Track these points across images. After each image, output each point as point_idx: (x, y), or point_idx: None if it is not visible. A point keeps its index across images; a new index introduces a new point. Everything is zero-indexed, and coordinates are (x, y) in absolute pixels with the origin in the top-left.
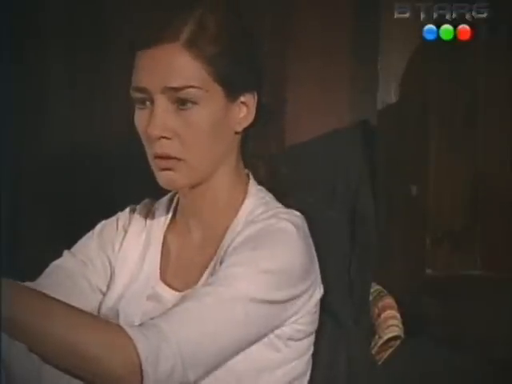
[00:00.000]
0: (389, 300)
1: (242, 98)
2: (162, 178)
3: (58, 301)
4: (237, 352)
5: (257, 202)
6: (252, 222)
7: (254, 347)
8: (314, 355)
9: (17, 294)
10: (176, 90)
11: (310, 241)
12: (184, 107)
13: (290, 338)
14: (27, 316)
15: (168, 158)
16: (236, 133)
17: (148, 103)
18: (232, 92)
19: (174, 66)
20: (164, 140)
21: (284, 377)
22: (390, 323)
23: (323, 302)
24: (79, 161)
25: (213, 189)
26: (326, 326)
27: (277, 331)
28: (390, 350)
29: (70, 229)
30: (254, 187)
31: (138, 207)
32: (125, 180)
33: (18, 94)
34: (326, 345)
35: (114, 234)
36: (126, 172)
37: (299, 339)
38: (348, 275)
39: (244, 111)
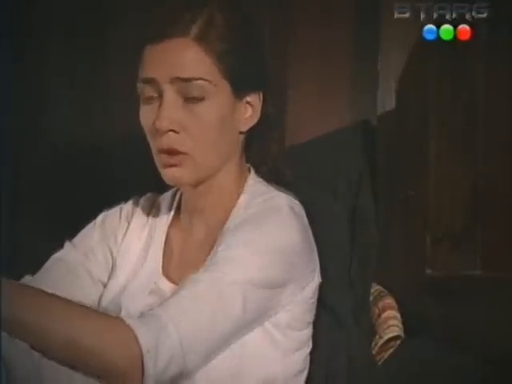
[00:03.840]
0: (389, 300)
1: (248, 98)
2: (167, 174)
3: (57, 296)
4: (236, 337)
5: (254, 192)
6: (248, 207)
7: (252, 341)
8: (314, 354)
9: (15, 292)
10: (185, 80)
11: (307, 226)
12: (192, 101)
13: (289, 327)
14: (27, 313)
15: (174, 152)
16: (240, 133)
17: (155, 97)
18: (239, 90)
19: (184, 57)
20: (171, 134)
21: (283, 372)
22: (391, 323)
23: (324, 302)
24: (79, 160)
25: (215, 188)
26: (326, 325)
27: (274, 319)
28: (391, 350)
29: (70, 228)
30: (252, 180)
31: (141, 200)
32: (125, 179)
33: (17, 94)
34: (326, 344)
35: (117, 225)
36: (127, 171)
37: (298, 329)
38: (348, 275)
39: (249, 111)
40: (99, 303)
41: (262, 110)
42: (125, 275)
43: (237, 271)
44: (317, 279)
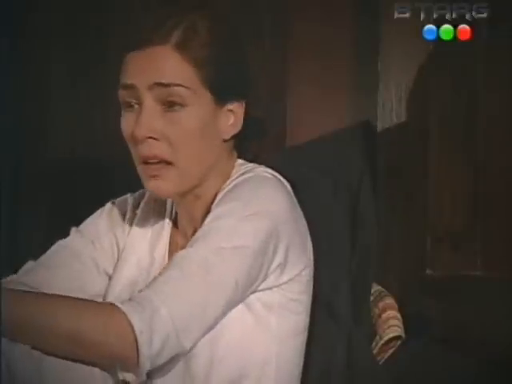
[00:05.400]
0: (389, 300)
1: (230, 106)
2: (151, 186)
3: (51, 294)
4: (228, 311)
5: (238, 171)
6: (231, 182)
7: (242, 326)
8: (314, 355)
9: (10, 296)
10: (164, 86)
11: (294, 199)
12: (171, 109)
13: (283, 308)
14: (24, 314)
15: (155, 159)
16: (224, 141)
17: (135, 106)
18: (220, 98)
19: (163, 64)
20: (151, 141)
21: (277, 359)
22: (391, 323)
23: (324, 302)
24: (80, 160)
25: (203, 196)
26: (326, 326)
27: (266, 298)
28: (391, 351)
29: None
30: (238, 165)
31: (147, 193)
32: (126, 180)
33: (17, 95)
34: (325, 345)
35: (124, 215)
36: (128, 172)
37: (294, 313)
38: (349, 276)
39: (232, 119)
40: (105, 296)
41: (245, 118)
42: (131, 270)
43: (223, 241)
44: (309, 258)
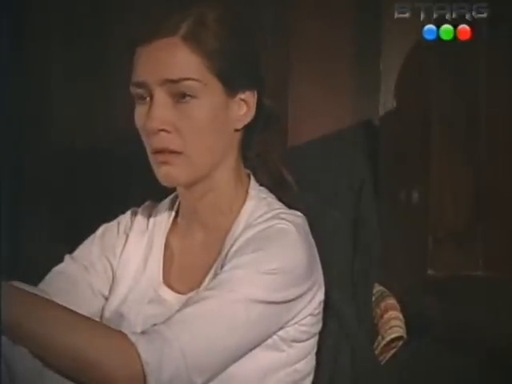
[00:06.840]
0: (391, 301)
1: (242, 95)
2: (161, 173)
3: (60, 306)
4: (241, 354)
5: (258, 203)
6: (252, 224)
7: (257, 349)
8: (318, 356)
9: (18, 298)
10: (174, 82)
11: (312, 240)
12: (182, 100)
13: (294, 340)
14: (28, 321)
15: (167, 151)
16: (236, 130)
17: (147, 98)
18: (231, 88)
19: (172, 58)
20: (163, 133)
21: (287, 377)
22: (393, 324)
23: (327, 302)
24: (80, 160)
25: (211, 190)
26: (329, 326)
27: (280, 333)
28: (393, 351)
29: (71, 228)
30: (254, 188)
31: (139, 210)
32: (126, 179)
33: (17, 94)
34: (329, 345)
35: (115, 239)
36: (128, 172)
37: (303, 340)
38: (351, 276)
39: (244, 108)
40: (102, 314)
41: (258, 108)
42: (126, 286)
43: (241, 290)
44: (321, 292)
